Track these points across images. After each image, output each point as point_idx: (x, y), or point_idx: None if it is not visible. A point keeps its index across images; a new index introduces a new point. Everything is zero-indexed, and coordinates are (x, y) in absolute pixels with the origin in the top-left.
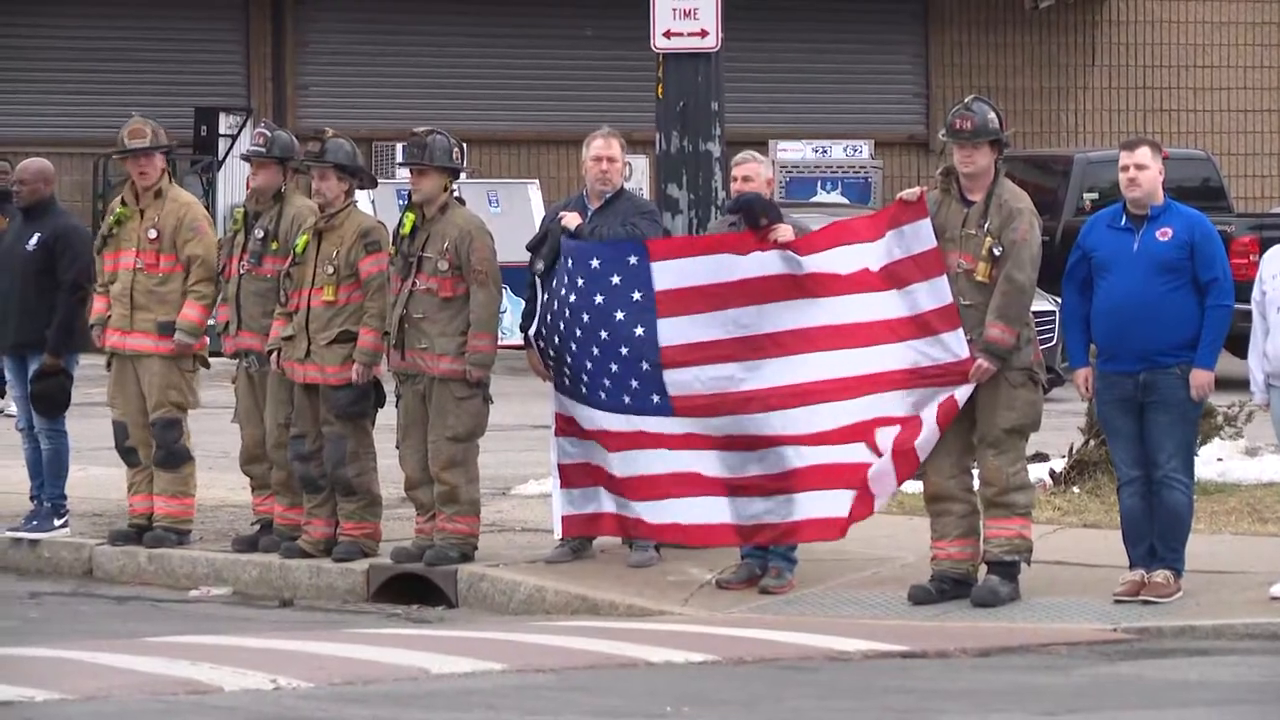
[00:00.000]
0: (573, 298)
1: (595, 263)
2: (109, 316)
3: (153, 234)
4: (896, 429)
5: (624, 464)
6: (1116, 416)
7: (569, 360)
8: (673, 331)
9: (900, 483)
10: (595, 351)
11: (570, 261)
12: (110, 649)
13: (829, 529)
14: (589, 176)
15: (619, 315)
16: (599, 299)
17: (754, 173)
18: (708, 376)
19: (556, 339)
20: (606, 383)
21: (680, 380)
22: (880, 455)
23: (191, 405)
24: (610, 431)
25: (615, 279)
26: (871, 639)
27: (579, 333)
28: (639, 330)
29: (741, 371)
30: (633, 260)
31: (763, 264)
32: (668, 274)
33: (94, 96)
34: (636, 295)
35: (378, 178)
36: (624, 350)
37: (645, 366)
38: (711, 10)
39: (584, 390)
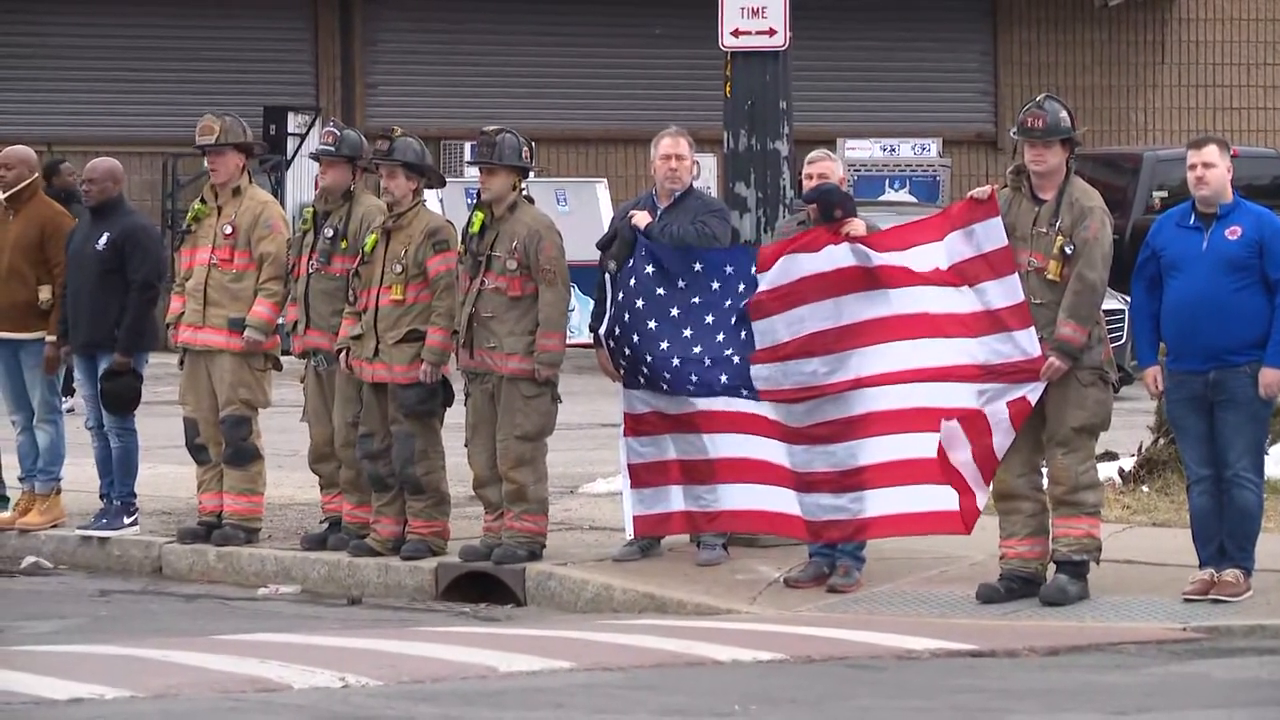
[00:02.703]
0: (665, 296)
1: (698, 266)
2: (183, 313)
3: (228, 230)
4: (966, 423)
5: (716, 445)
6: (1186, 415)
7: (655, 355)
8: (762, 333)
9: (988, 482)
10: (689, 348)
11: (676, 266)
12: (179, 647)
13: (948, 524)
14: (658, 175)
15: (710, 318)
16: (696, 300)
17: (827, 170)
18: (790, 372)
19: (636, 337)
20: (694, 376)
21: (766, 375)
22: (950, 451)
23: (262, 404)
24: (705, 412)
25: (715, 284)
26: (940, 638)
27: (670, 329)
28: (738, 333)
29: (823, 366)
30: (729, 269)
31: (834, 258)
32: (763, 280)
33: (163, 96)
34: (733, 301)
35: (446, 176)
36: (720, 348)
37: (737, 361)
38: (780, 9)
39: (673, 381)
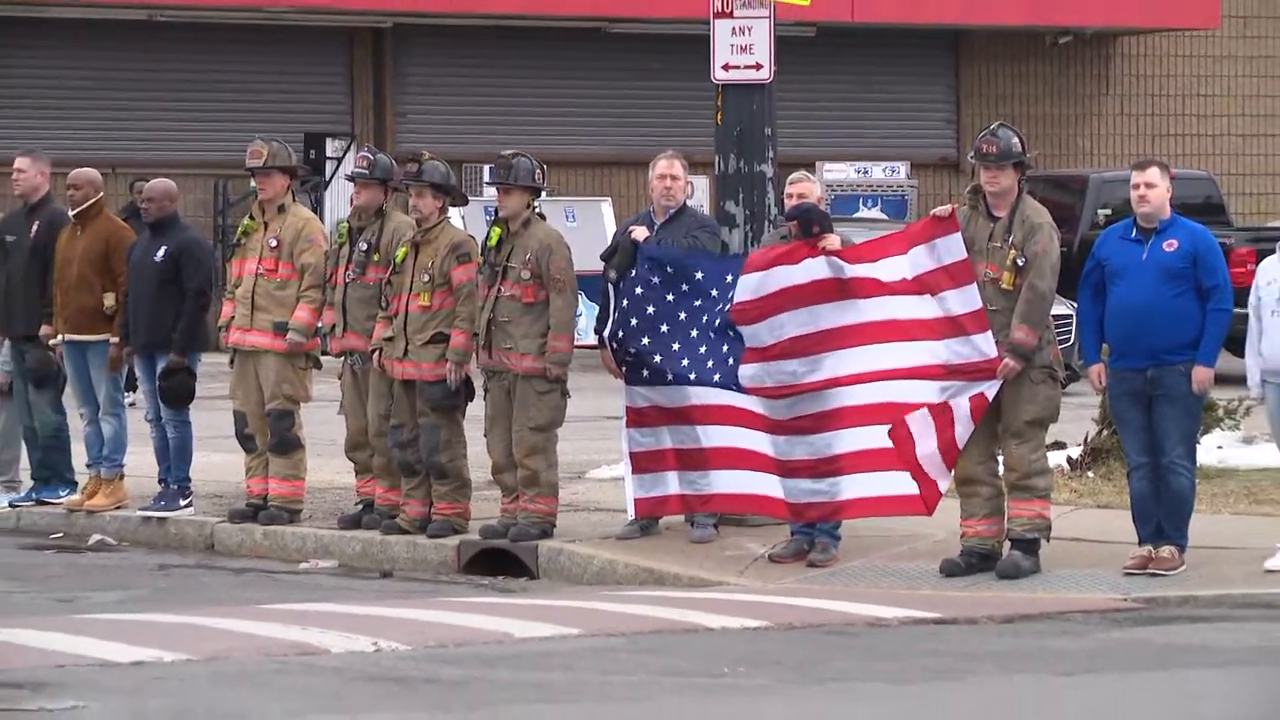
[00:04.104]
0: (662, 302)
1: (699, 275)
2: (233, 318)
3: (273, 243)
4: (930, 417)
5: (709, 436)
6: (1127, 409)
7: (660, 353)
8: (749, 337)
9: (950, 469)
10: (690, 348)
11: (670, 276)
12: (229, 615)
13: (911, 506)
14: (655, 194)
15: (705, 318)
16: (697, 302)
17: (807, 190)
18: (773, 372)
19: (642, 339)
20: (693, 373)
21: (753, 374)
22: (915, 441)
23: (303, 399)
24: (698, 406)
25: (714, 291)
26: (908, 607)
27: (674, 329)
28: (729, 335)
29: (802, 366)
30: (730, 277)
31: (812, 270)
32: (745, 288)
33: (214, 123)
34: (725, 305)
35: (468, 196)
36: (716, 347)
37: (730, 362)
38: (765, 46)
39: (676, 373)
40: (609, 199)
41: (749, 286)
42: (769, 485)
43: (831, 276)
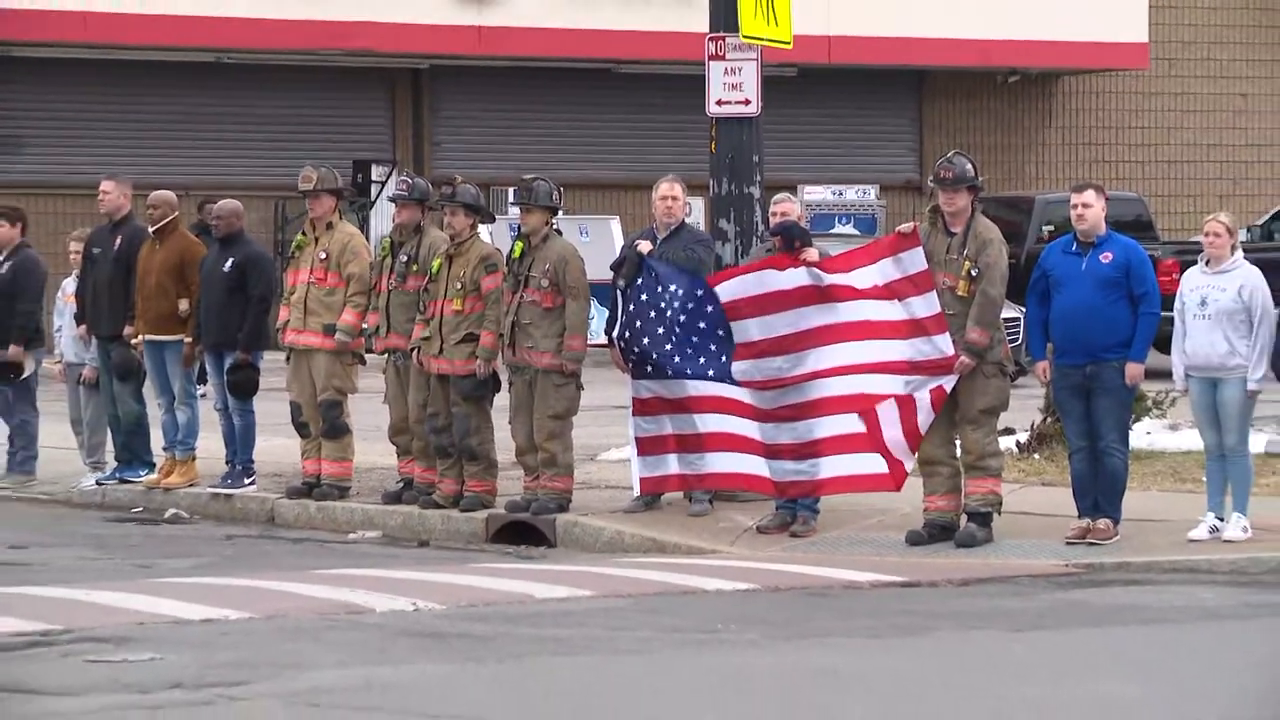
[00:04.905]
0: (664, 308)
1: (686, 283)
2: (288, 320)
3: (323, 255)
4: (896, 406)
5: (706, 423)
6: (1068, 399)
7: (661, 351)
8: (739, 333)
9: (914, 452)
10: (687, 347)
11: (671, 285)
12: (287, 579)
13: (881, 484)
14: (658, 212)
15: (702, 323)
16: (690, 305)
17: (789, 209)
18: (761, 367)
19: (645, 339)
20: (690, 369)
21: (743, 369)
22: (884, 427)
23: (351, 390)
24: (695, 397)
25: (699, 291)
26: (878, 572)
27: (673, 331)
28: (718, 332)
29: (785, 362)
30: (700, 292)
31: (794, 279)
32: (727, 293)
33: (274, 151)
34: (711, 308)
35: (495, 214)
36: (708, 345)
37: (723, 359)
38: (754, 84)
39: (674, 368)
40: (617, 217)
41: (741, 287)
42: (757, 466)
43: (811, 284)
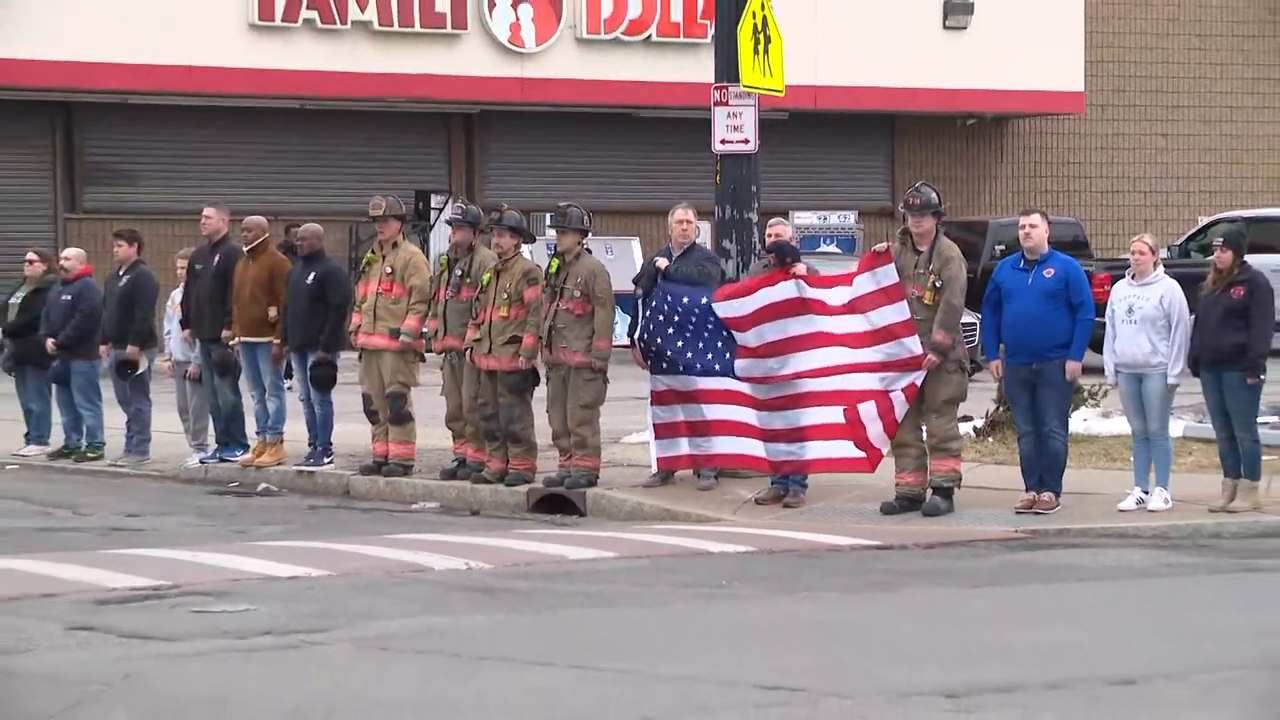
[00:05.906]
0: (677, 315)
1: (696, 294)
2: (360, 325)
3: (389, 270)
4: (873, 401)
5: (712, 411)
6: (1017, 391)
7: (675, 350)
8: (740, 339)
9: (891, 437)
10: (697, 346)
11: (683, 296)
12: (361, 543)
13: (859, 465)
14: (673, 234)
15: (709, 327)
16: (697, 311)
17: (782, 231)
18: (759, 365)
19: (659, 340)
20: (699, 365)
21: (744, 367)
22: (864, 417)
23: (413, 384)
24: (704, 389)
25: (704, 299)
26: (857, 537)
27: (684, 333)
28: (724, 338)
29: (777, 363)
30: (704, 300)
31: (786, 291)
32: (729, 307)
33: (348, 182)
34: (714, 318)
35: (535, 235)
36: (715, 345)
37: (727, 356)
38: (752, 126)
39: (685, 364)
40: (638, 238)
41: (738, 306)
42: (755, 448)
43: (797, 297)
